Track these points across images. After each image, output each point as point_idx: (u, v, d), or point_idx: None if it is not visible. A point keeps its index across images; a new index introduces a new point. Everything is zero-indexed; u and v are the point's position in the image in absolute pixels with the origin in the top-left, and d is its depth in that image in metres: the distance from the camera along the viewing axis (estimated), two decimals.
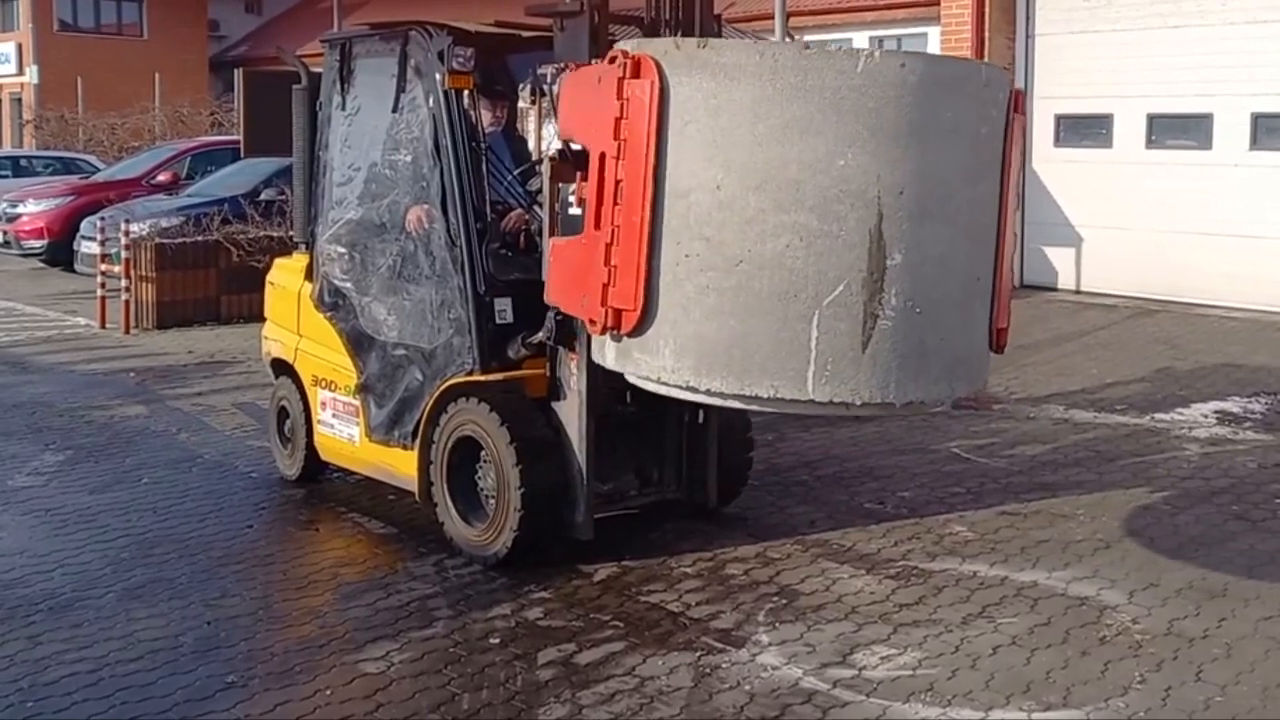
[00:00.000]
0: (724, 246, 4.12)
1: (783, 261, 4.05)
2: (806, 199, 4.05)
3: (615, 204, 4.30)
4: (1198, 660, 4.46)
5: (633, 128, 4.24)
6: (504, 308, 5.50)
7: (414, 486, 5.75)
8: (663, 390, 4.42)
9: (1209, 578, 5.24)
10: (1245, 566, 5.37)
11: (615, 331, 4.36)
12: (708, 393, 4.19)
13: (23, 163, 21.98)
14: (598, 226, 4.36)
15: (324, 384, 6.38)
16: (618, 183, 4.30)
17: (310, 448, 6.52)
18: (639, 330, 4.29)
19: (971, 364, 4.44)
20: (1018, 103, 4.59)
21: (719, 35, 5.32)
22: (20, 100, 33.21)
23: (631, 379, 4.58)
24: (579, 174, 4.62)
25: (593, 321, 4.46)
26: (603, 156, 4.33)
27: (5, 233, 16.46)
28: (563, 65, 5.06)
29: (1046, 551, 5.57)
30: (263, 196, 13.17)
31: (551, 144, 5.27)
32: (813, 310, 4.04)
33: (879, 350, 4.04)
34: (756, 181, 4.09)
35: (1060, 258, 13.08)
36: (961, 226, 4.31)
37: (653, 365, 4.29)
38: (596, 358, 4.73)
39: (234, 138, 15.99)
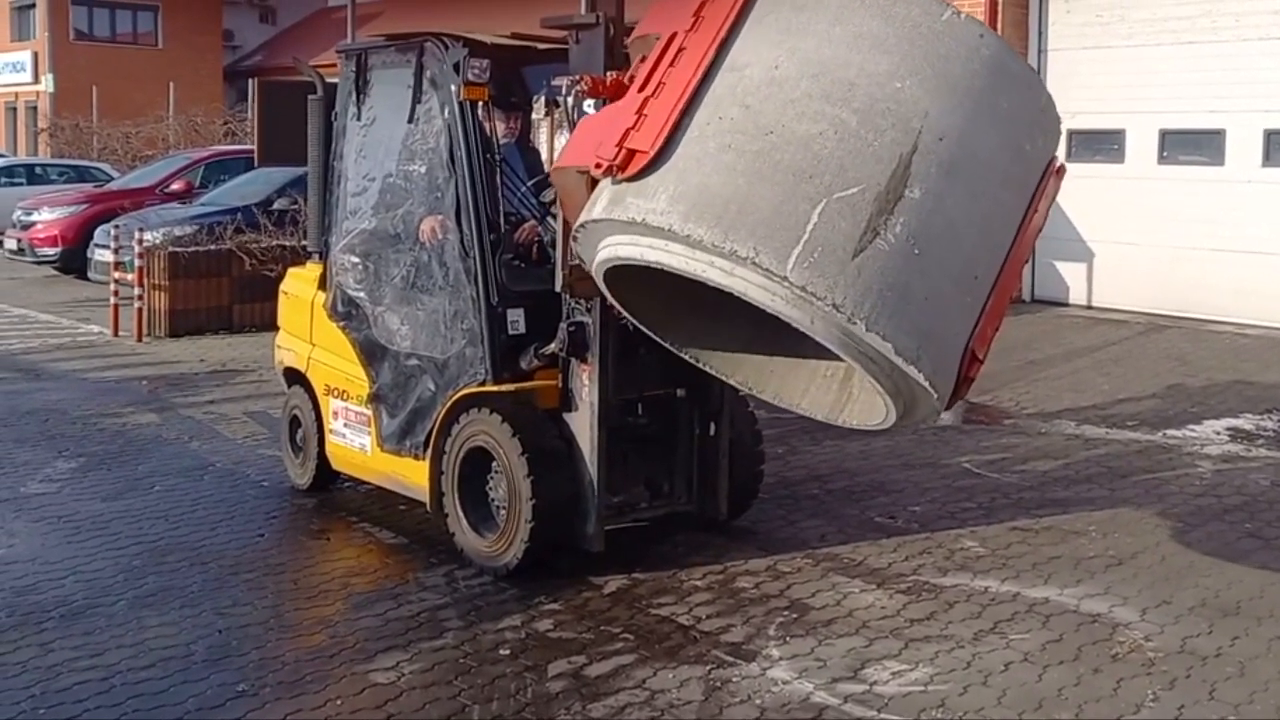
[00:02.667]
0: (760, 115, 4.14)
1: (811, 144, 4.06)
2: (855, 100, 4.11)
3: (671, 66, 4.33)
4: (1211, 679, 4.44)
5: (715, 8, 4.35)
6: (516, 319, 5.51)
7: (425, 497, 5.75)
8: (634, 244, 4.25)
9: (1222, 595, 5.22)
10: (1258, 584, 5.35)
11: (618, 174, 4.25)
12: (686, 239, 4.05)
13: (37, 170, 22.09)
14: (641, 90, 4.37)
15: (336, 393, 6.39)
16: (680, 50, 4.34)
17: (322, 457, 6.53)
18: (643, 174, 4.21)
19: (943, 350, 4.25)
20: (1059, 170, 4.62)
21: None
22: (35, 108, 33.38)
23: (608, 245, 4.39)
24: (638, 58, 4.58)
25: (599, 164, 4.32)
26: (674, 35, 4.39)
27: (20, 240, 16.55)
28: (577, 78, 5.07)
29: (1058, 568, 5.55)
30: (276, 206, 13.20)
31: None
32: (822, 197, 4.00)
33: (866, 265, 3.96)
34: (814, 70, 4.17)
35: (1072, 273, 13.06)
36: (980, 212, 4.30)
37: (642, 208, 4.17)
38: (584, 216, 4.51)
39: (248, 147, 16.09)
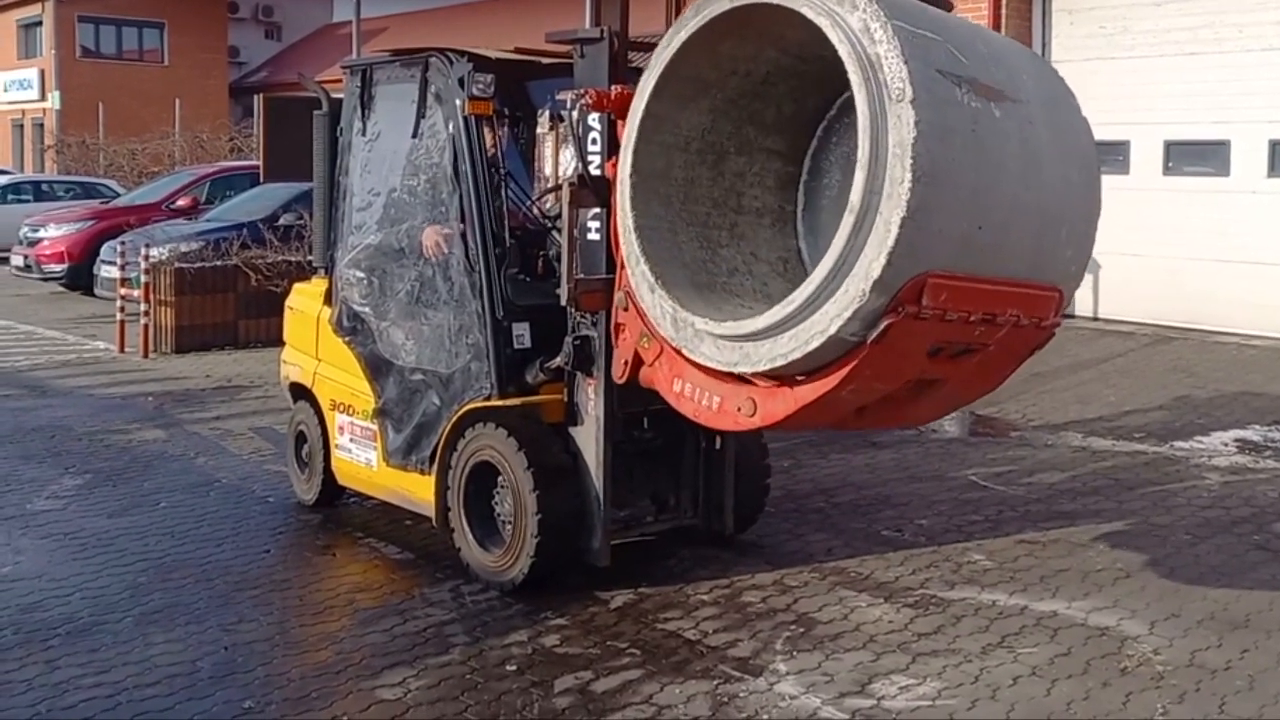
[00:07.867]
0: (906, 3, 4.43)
1: (947, 20, 4.34)
2: (986, 52, 4.43)
3: None
4: (1220, 692, 4.42)
5: None
6: (522, 333, 5.52)
7: (431, 512, 5.75)
8: None
9: (1231, 608, 5.20)
10: (1267, 597, 5.33)
11: None
12: None
13: (44, 187, 22.19)
14: None
15: (342, 408, 6.39)
16: None
17: (328, 472, 6.53)
18: None
19: (926, 215, 4.08)
20: (1057, 322, 4.69)
21: None
22: (42, 125, 33.53)
23: None
24: None
25: None
26: None
27: (26, 257, 16.59)
28: (582, 92, 5.08)
29: (1066, 581, 5.53)
30: (281, 221, 13.23)
31: (570, 169, 5.28)
32: (940, 37, 4.22)
33: (939, 85, 4.09)
34: (966, 35, 4.45)
35: None
36: (1016, 203, 4.34)
37: None
38: None
39: (253, 163, 16.13)
